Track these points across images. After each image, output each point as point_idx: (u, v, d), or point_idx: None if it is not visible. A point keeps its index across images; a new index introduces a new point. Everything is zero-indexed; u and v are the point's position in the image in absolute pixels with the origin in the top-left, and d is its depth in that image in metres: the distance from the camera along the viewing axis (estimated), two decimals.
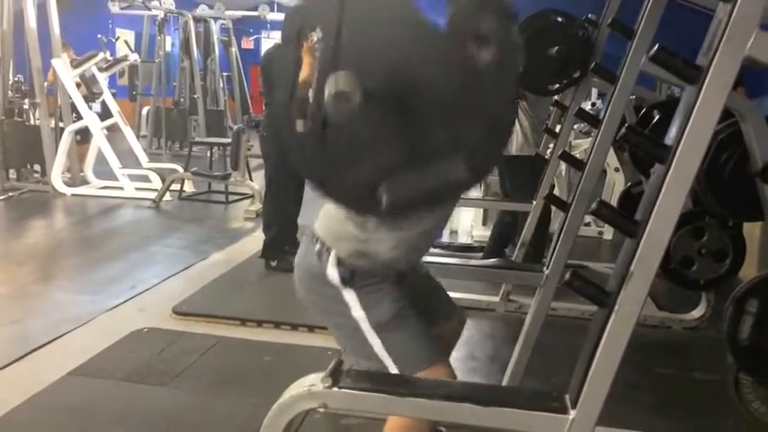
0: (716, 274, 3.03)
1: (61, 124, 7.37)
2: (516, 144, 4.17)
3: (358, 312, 1.65)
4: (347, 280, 1.65)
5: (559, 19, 3.14)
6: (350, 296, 1.66)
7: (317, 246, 1.70)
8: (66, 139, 7.13)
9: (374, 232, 1.63)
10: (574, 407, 1.16)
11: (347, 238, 1.65)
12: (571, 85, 3.26)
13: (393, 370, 1.63)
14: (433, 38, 1.10)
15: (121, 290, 4.05)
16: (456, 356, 2.11)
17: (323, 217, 1.74)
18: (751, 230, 3.67)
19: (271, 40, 13.76)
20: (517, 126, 4.19)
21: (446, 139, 1.11)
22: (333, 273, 1.66)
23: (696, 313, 3.71)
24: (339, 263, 1.65)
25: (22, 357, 3.05)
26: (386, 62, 1.08)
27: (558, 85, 3.28)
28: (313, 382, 1.26)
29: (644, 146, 1.18)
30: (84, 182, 7.41)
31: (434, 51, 1.09)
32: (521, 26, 3.07)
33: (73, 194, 7.03)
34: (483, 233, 5.35)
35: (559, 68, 3.11)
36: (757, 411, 2.51)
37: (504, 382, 2.52)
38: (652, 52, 1.12)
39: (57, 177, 7.05)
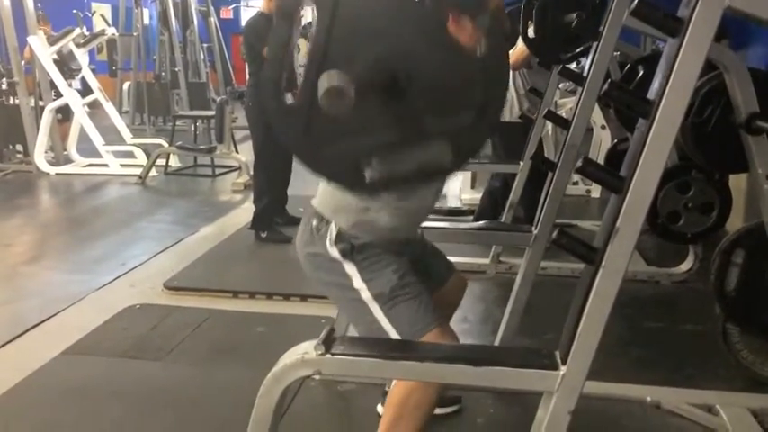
0: (703, 227, 3.06)
1: (41, 103, 7.25)
2: (512, 111, 4.13)
3: (359, 284, 1.67)
4: (347, 252, 1.67)
5: None
6: (351, 269, 1.68)
7: (316, 220, 1.71)
8: (47, 118, 7.03)
9: (373, 201, 1.63)
10: (564, 363, 1.18)
11: (346, 209, 1.66)
12: (585, 53, 3.13)
13: (396, 338, 1.64)
14: (427, 22, 1.11)
15: (112, 267, 4.04)
16: None
17: (321, 191, 1.75)
18: (736, 182, 3.69)
19: (251, 8, 13.52)
20: (513, 92, 4.15)
21: (433, 123, 1.12)
22: (332, 246, 1.67)
23: (684, 267, 3.75)
24: (339, 235, 1.67)
25: (15, 338, 3.05)
26: (379, 44, 1.08)
27: (572, 54, 3.13)
28: (306, 349, 1.27)
29: (626, 101, 1.17)
30: (68, 160, 7.33)
31: (428, 36, 1.10)
32: None
33: (57, 173, 6.96)
34: (472, 196, 5.36)
35: (574, 36, 2.97)
36: (746, 360, 2.56)
37: (497, 342, 2.55)
38: (632, 6, 1.11)
39: (40, 157, 6.97)
